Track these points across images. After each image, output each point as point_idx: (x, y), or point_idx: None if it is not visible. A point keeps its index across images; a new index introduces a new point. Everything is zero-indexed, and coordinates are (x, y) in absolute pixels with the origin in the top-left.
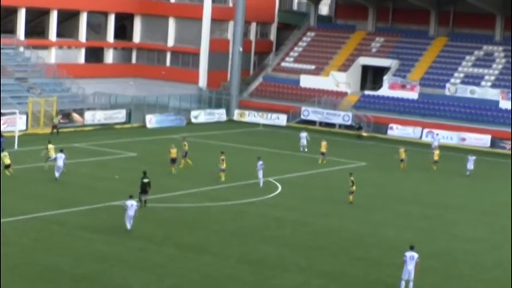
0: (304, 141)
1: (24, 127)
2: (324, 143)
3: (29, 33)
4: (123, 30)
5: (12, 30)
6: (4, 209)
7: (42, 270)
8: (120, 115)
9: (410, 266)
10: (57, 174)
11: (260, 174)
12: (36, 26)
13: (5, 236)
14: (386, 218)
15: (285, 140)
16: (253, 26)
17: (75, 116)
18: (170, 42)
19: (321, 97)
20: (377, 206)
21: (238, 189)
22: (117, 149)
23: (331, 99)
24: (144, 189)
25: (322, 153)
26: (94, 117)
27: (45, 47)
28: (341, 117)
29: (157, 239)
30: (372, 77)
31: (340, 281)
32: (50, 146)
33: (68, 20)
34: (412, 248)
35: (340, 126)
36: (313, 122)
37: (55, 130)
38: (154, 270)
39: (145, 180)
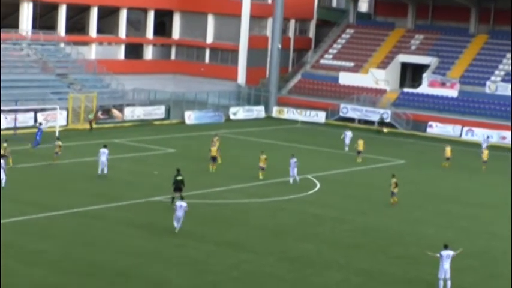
0: (347, 140)
1: (64, 122)
2: (360, 142)
3: (69, 30)
4: (163, 26)
5: (53, 27)
6: (46, 204)
7: (83, 265)
8: (159, 111)
9: (447, 265)
10: (99, 170)
11: (294, 171)
12: (77, 22)
13: (46, 230)
14: (426, 217)
15: (323, 137)
16: (292, 23)
17: (115, 112)
18: (209, 39)
19: (360, 94)
20: (416, 204)
21: (277, 186)
22: (156, 145)
23: (370, 96)
24: (178, 186)
25: (359, 152)
26: (133, 113)
27: (86, 43)
28: (380, 114)
29: (197, 236)
30: (411, 74)
31: (378, 279)
32: (59, 143)
33: (108, 16)
34: (446, 247)
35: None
36: (351, 120)
37: (90, 126)
38: (193, 266)
39: (179, 178)
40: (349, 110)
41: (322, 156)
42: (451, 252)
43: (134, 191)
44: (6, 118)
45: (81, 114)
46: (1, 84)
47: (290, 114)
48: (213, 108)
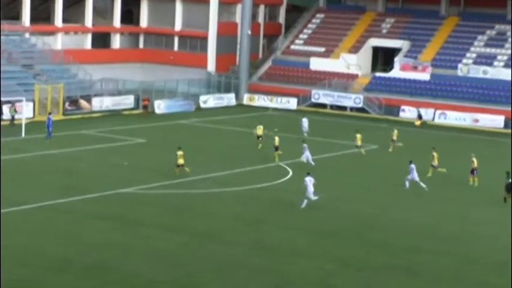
0: (306, 126)
1: (31, 114)
2: (358, 136)
3: (34, 19)
4: (130, 14)
5: (17, 17)
6: (13, 198)
7: (52, 259)
8: (128, 101)
9: None
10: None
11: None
12: (42, 12)
13: (13, 225)
14: (397, 201)
15: (295, 124)
16: (261, 9)
17: (83, 102)
18: (178, 27)
19: (332, 80)
20: (387, 189)
21: (247, 174)
22: (125, 135)
23: (341, 81)
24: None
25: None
26: (102, 103)
27: (51, 33)
28: (352, 99)
29: (168, 227)
30: (383, 58)
31: (354, 266)
32: None
33: (74, 5)
34: None
35: (352, 109)
36: (324, 105)
37: (11, 122)
38: (165, 258)
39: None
40: (321, 95)
41: (294, 143)
42: None
43: (104, 183)
44: None
45: (48, 106)
46: None
47: (261, 101)
48: (183, 96)
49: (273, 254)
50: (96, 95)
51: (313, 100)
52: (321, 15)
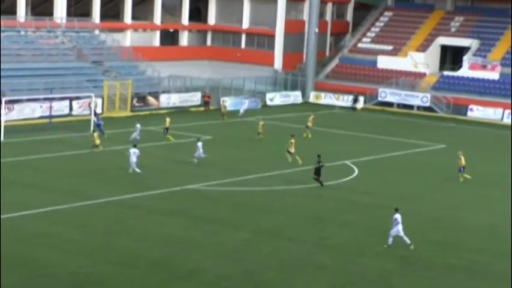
0: (245, 107)
1: (99, 110)
2: (310, 119)
3: (104, 16)
4: (198, 12)
5: (87, 14)
6: (82, 193)
7: (119, 254)
8: (195, 98)
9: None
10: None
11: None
12: (111, 9)
13: (81, 219)
14: (465, 201)
15: (361, 122)
16: (329, 7)
17: (150, 99)
18: (245, 24)
19: (399, 78)
20: (456, 188)
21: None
22: (192, 132)
23: (409, 80)
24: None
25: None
26: (169, 100)
27: (121, 30)
28: (419, 98)
29: (233, 223)
30: (451, 57)
31: (414, 265)
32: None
33: (143, 2)
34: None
35: (419, 108)
36: (390, 104)
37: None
38: (229, 254)
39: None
40: (387, 94)
41: (360, 141)
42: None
43: (169, 179)
44: (41, 107)
45: (116, 102)
46: (36, 73)
47: (327, 99)
48: (249, 94)
49: (336, 253)
50: (163, 92)
51: (379, 99)
52: (389, 13)
